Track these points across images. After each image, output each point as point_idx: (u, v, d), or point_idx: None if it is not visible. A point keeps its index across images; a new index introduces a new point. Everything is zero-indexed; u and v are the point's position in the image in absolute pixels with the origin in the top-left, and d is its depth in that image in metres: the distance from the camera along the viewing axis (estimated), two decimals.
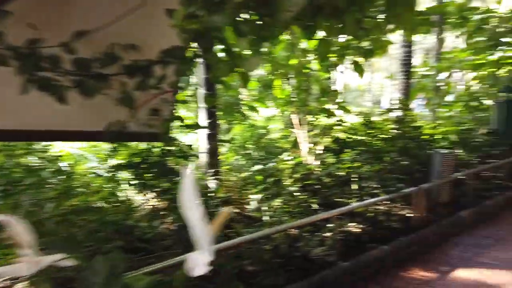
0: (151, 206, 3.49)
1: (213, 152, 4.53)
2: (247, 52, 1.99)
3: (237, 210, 4.30)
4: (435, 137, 6.81)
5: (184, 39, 2.47)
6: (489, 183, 6.21)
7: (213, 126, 4.53)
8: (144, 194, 3.49)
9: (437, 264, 4.06)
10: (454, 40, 11.29)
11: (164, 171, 3.35)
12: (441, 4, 8.15)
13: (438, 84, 9.09)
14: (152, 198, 3.56)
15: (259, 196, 4.35)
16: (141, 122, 3.43)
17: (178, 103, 3.82)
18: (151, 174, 3.41)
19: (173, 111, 3.44)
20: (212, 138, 4.52)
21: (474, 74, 9.20)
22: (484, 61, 8.71)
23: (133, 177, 3.43)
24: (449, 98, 9.61)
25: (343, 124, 6.34)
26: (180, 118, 3.08)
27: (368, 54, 5.27)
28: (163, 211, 3.44)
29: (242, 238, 3.29)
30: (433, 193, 5.07)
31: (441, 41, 9.32)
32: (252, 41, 2.03)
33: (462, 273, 3.85)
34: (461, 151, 6.48)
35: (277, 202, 4.29)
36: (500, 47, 8.54)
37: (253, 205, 4.30)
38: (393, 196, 4.60)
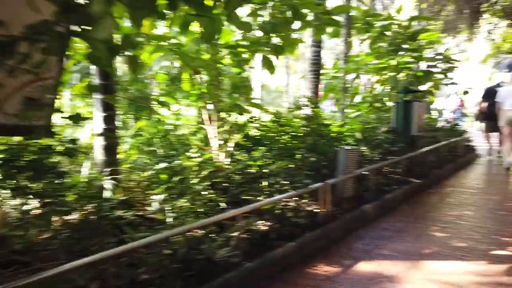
0: (27, 212, 2.98)
1: (110, 149, 4.09)
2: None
3: (137, 213, 3.93)
4: (343, 135, 7.09)
5: (52, 13, 2.09)
6: (389, 178, 6.62)
7: (110, 121, 4.09)
8: (17, 198, 2.96)
9: (342, 258, 4.13)
10: (361, 44, 12.03)
11: (41, 171, 2.87)
12: (347, 5, 8.57)
13: (346, 85, 9.56)
14: (28, 203, 3.04)
15: (162, 196, 4.02)
16: (10, 113, 2.93)
17: (62, 92, 3.34)
18: (26, 174, 2.90)
19: (54, 100, 2.98)
20: (109, 134, 4.08)
21: (377, 77, 9.90)
22: (385, 65, 9.41)
23: (2, 178, 2.89)
24: (356, 99, 10.21)
25: (256, 121, 6.28)
26: (58, 109, 2.65)
27: (278, 51, 5.26)
28: (42, 217, 2.95)
29: (136, 243, 2.95)
30: (339, 188, 5.22)
31: (348, 45, 9.82)
32: (131, 14, 1.77)
33: (363, 266, 3.96)
34: (365, 148, 6.83)
35: (182, 202, 4.01)
36: (399, 53, 9.29)
37: (155, 206, 3.96)
38: (300, 192, 4.61)
